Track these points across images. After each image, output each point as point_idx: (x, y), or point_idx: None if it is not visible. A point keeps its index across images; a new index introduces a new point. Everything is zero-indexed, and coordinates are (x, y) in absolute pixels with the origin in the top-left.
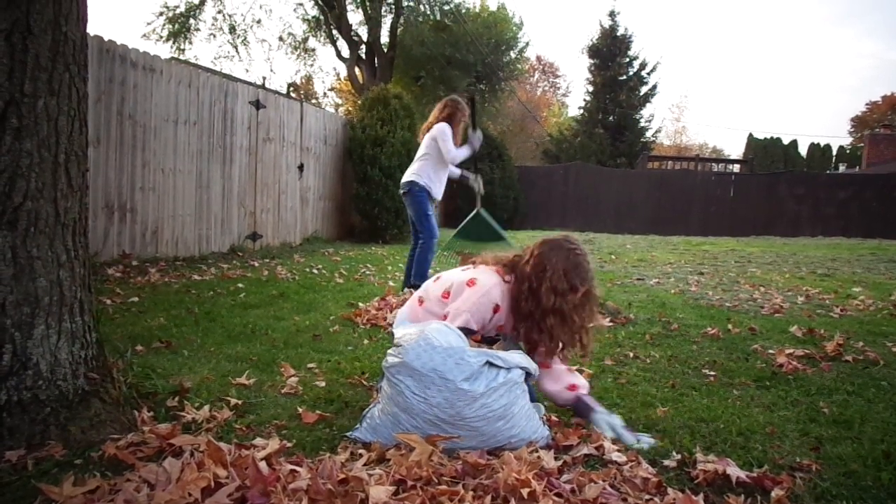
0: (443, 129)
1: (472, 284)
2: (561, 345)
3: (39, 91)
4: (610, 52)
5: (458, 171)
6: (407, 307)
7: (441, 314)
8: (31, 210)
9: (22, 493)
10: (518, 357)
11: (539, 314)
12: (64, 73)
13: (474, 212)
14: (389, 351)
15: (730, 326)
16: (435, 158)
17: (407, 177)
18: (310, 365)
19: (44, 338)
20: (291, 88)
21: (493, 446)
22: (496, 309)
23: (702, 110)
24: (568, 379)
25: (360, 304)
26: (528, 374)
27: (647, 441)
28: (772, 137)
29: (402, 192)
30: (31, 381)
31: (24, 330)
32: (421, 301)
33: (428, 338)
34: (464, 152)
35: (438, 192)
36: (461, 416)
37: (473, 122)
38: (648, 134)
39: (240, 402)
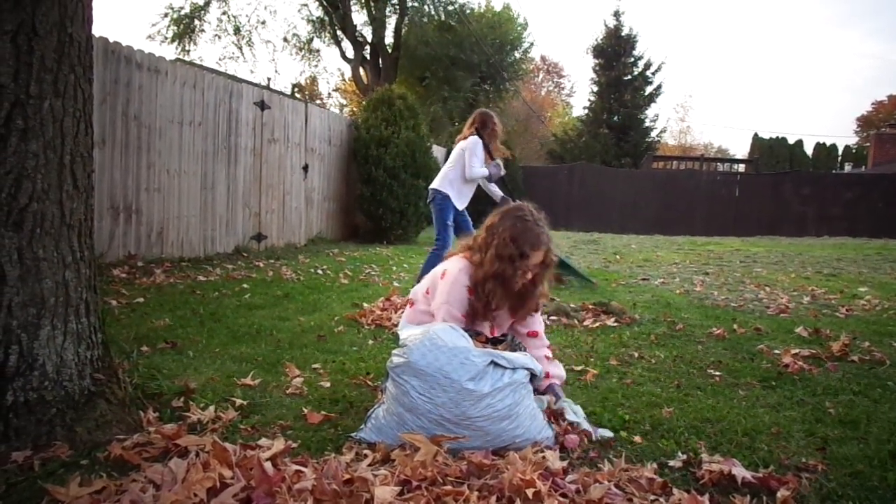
0: (475, 142)
1: (443, 276)
2: (503, 311)
3: (45, 92)
4: (614, 51)
5: (499, 194)
6: (406, 311)
7: (429, 311)
8: (37, 211)
9: (28, 494)
10: (523, 358)
11: (481, 279)
12: (69, 74)
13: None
14: (394, 351)
15: (735, 326)
16: (460, 170)
17: (433, 185)
18: (314, 365)
19: (50, 339)
20: (296, 89)
21: (497, 446)
22: (470, 291)
23: (706, 110)
24: (545, 367)
25: (365, 304)
26: (532, 376)
27: (603, 433)
28: (777, 137)
29: (428, 199)
30: (38, 382)
31: (31, 331)
32: (412, 303)
33: (433, 338)
34: (482, 172)
35: (461, 203)
36: (466, 416)
37: (489, 151)
38: (653, 134)
39: (245, 402)
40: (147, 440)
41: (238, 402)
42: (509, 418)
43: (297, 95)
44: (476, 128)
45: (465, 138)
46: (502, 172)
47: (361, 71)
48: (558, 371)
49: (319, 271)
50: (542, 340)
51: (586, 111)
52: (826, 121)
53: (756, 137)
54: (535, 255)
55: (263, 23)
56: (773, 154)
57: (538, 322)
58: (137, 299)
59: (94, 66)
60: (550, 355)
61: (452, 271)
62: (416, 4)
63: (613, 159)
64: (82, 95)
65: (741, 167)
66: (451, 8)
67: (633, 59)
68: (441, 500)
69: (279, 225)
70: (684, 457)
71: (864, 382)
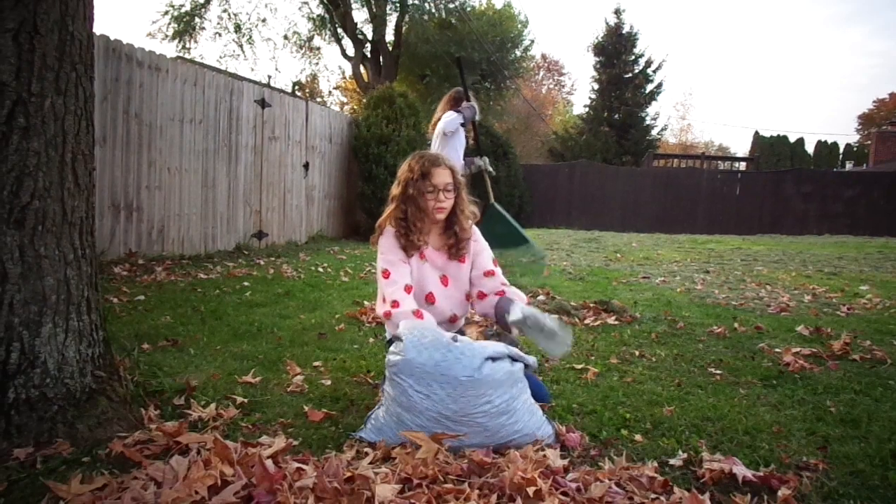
0: (450, 115)
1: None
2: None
3: (46, 90)
4: (615, 49)
5: (461, 165)
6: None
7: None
8: (39, 209)
9: (30, 491)
10: (518, 353)
11: (400, 215)
12: (70, 72)
13: (489, 207)
14: (391, 348)
15: (736, 325)
16: (445, 150)
17: None
18: (315, 363)
19: (51, 336)
20: (297, 87)
21: (497, 442)
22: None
23: (707, 108)
24: (505, 290)
25: (366, 302)
26: (526, 367)
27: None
28: (778, 135)
29: None
30: (39, 380)
31: (32, 328)
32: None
33: (428, 334)
34: (455, 119)
35: None
36: (464, 412)
37: (464, 87)
38: (654, 132)
39: (246, 400)
40: (148, 438)
41: (239, 399)
42: (507, 413)
43: (298, 93)
44: (452, 105)
45: (440, 118)
46: (478, 116)
47: (362, 69)
48: (519, 292)
49: (320, 269)
50: (499, 277)
51: (587, 109)
52: (827, 119)
53: (757, 135)
54: (438, 173)
55: (264, 20)
56: (774, 152)
57: (487, 260)
58: (138, 297)
59: (94, 64)
60: (507, 283)
61: (379, 264)
62: (416, 2)
63: (614, 157)
64: (83, 93)
65: (742, 165)
66: (451, 6)
67: (633, 57)
68: (442, 498)
69: (280, 223)
70: (685, 455)
71: (865, 381)
